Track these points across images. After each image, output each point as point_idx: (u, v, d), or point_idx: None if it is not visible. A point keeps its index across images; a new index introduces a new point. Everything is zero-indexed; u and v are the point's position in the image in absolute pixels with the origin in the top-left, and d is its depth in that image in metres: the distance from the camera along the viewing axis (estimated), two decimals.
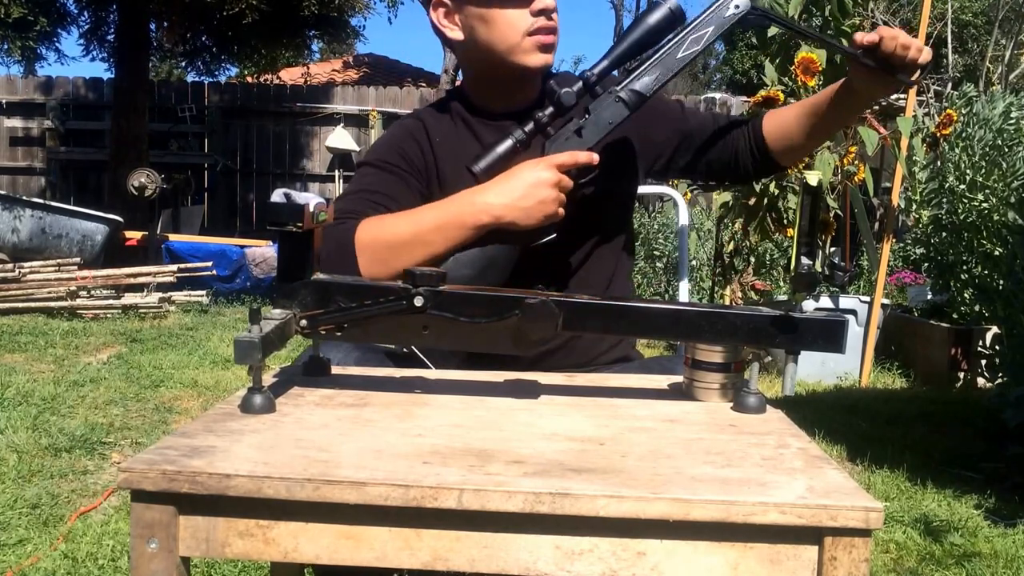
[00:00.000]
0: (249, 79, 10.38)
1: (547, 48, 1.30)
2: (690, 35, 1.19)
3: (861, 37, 1.19)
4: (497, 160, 1.19)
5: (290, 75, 11.60)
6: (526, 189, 1.16)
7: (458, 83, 1.45)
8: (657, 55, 1.20)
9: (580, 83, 1.19)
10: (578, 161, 1.19)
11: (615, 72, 1.22)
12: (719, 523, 0.68)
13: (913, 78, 1.21)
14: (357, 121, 9.38)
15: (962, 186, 3.69)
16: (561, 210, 1.19)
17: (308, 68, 11.19)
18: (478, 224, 1.17)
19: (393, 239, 1.19)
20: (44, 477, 2.39)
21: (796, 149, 1.40)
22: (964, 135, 3.70)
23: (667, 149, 1.41)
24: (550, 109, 1.20)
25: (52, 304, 5.03)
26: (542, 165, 1.18)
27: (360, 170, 1.36)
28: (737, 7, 1.18)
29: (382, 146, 1.38)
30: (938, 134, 3.61)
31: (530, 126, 1.20)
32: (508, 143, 1.20)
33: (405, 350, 1.24)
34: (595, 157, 1.20)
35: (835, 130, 1.36)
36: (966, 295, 3.98)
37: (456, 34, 1.32)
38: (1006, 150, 3.58)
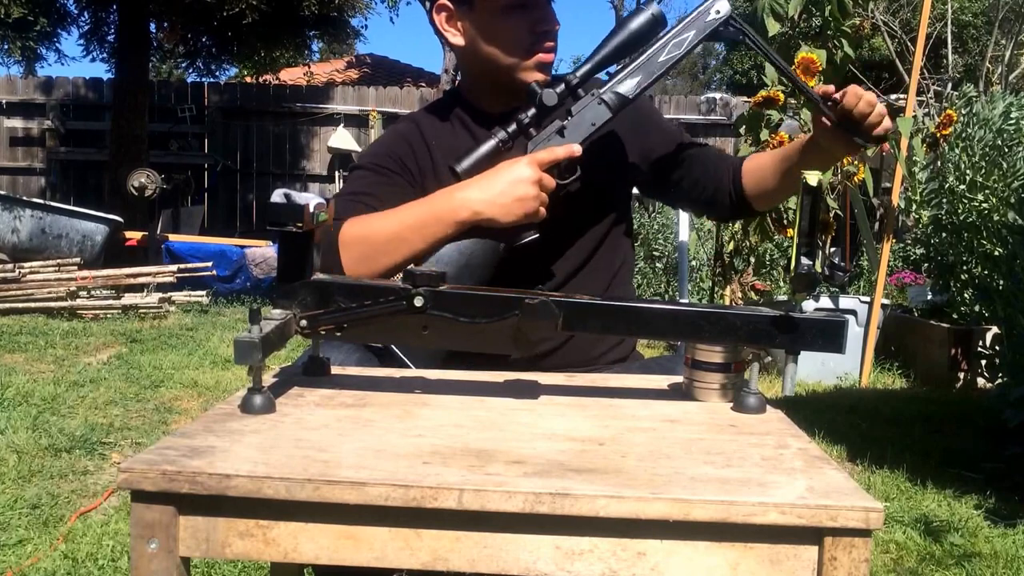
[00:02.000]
0: (249, 79, 10.38)
1: (545, 66, 1.32)
2: (672, 39, 1.20)
3: (826, 88, 1.18)
4: (480, 160, 1.21)
5: (291, 75, 11.59)
6: (505, 186, 1.17)
7: (458, 82, 1.46)
8: (639, 59, 1.21)
9: (563, 85, 1.21)
10: (556, 156, 1.20)
11: (597, 76, 1.24)
12: (719, 523, 0.68)
13: (869, 143, 1.19)
14: (357, 121, 9.38)
15: (962, 186, 3.69)
16: (542, 209, 1.19)
17: (310, 67, 11.19)
18: (457, 220, 1.18)
19: (374, 237, 1.20)
20: (44, 477, 2.39)
21: (769, 196, 1.38)
22: (964, 135, 3.70)
23: (660, 158, 1.40)
24: (532, 110, 1.21)
25: (52, 304, 5.03)
26: (523, 162, 1.19)
27: (351, 174, 1.38)
28: (718, 12, 1.19)
29: (375, 149, 1.39)
30: (938, 134, 3.62)
31: (513, 127, 1.21)
32: (491, 143, 1.21)
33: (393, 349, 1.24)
34: (575, 149, 1.21)
35: (792, 186, 1.35)
36: (966, 295, 3.98)
37: (457, 39, 1.33)
38: (1006, 150, 3.58)
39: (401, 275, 0.94)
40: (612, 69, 1.24)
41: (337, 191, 8.50)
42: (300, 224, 0.92)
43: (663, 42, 1.20)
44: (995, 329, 3.59)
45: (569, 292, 1.25)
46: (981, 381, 3.81)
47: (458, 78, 1.46)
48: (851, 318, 4.03)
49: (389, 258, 1.19)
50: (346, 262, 1.20)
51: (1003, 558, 2.01)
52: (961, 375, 3.92)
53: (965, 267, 3.86)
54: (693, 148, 1.41)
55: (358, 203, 1.28)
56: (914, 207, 4.41)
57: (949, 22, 7.69)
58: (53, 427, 2.82)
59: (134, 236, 6.33)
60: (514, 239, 1.21)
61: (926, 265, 4.70)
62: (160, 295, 5.28)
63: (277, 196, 6.54)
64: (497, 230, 1.19)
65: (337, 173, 9.21)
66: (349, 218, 1.24)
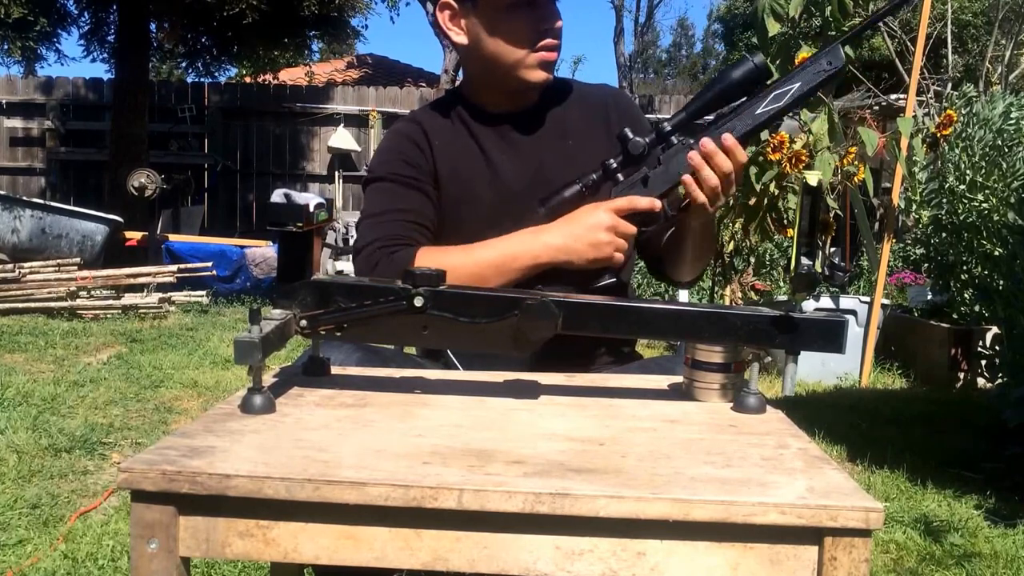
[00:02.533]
0: (248, 79, 10.38)
1: (548, 65, 1.32)
2: (775, 91, 1.15)
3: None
4: (562, 202, 1.22)
5: (291, 75, 11.59)
6: (581, 231, 1.20)
7: (458, 83, 1.45)
8: (736, 109, 1.17)
9: (653, 133, 1.20)
10: (635, 206, 1.20)
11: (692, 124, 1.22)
12: (719, 523, 0.68)
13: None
14: (357, 121, 9.38)
15: (962, 186, 3.69)
16: (617, 254, 1.21)
17: (311, 68, 11.18)
18: (534, 263, 1.22)
19: (452, 273, 1.21)
20: (44, 477, 2.39)
21: (672, 264, 1.38)
22: (964, 135, 3.70)
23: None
24: (620, 157, 1.20)
25: (52, 304, 5.03)
26: (601, 209, 1.20)
27: (375, 186, 1.36)
28: (830, 64, 1.13)
29: (388, 157, 1.38)
30: (938, 134, 3.61)
31: (599, 172, 1.21)
32: (575, 188, 1.22)
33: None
34: (656, 204, 1.20)
35: (689, 252, 1.34)
36: (966, 295, 3.98)
37: (461, 38, 1.33)
38: (1006, 150, 3.58)
39: (401, 275, 0.94)
40: (707, 120, 1.20)
41: (341, 190, 8.44)
42: (300, 224, 0.92)
43: (764, 93, 1.15)
44: (995, 329, 3.59)
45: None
46: (981, 381, 3.81)
47: (458, 78, 1.45)
48: (851, 318, 4.04)
49: None
50: None
51: (1003, 558, 2.01)
52: (961, 375, 3.92)
53: (965, 267, 3.86)
54: None
55: (407, 223, 1.30)
56: (914, 207, 4.41)
57: (949, 22, 7.69)
58: (53, 427, 2.82)
59: (134, 236, 6.33)
60: (592, 282, 1.22)
61: (926, 265, 4.70)
62: (160, 295, 5.28)
63: (277, 196, 6.54)
64: (575, 272, 1.21)
65: (337, 173, 9.21)
66: (410, 241, 1.27)
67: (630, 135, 1.19)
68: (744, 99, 1.17)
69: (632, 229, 1.21)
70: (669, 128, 1.19)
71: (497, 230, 1.28)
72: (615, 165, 1.21)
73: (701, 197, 1.16)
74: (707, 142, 1.15)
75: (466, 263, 1.22)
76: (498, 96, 1.36)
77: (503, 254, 1.23)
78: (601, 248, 1.20)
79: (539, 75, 1.31)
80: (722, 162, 1.15)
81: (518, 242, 1.23)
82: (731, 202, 3.35)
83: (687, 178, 1.17)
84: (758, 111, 1.15)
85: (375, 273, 1.24)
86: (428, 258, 1.24)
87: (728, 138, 1.14)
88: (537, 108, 1.37)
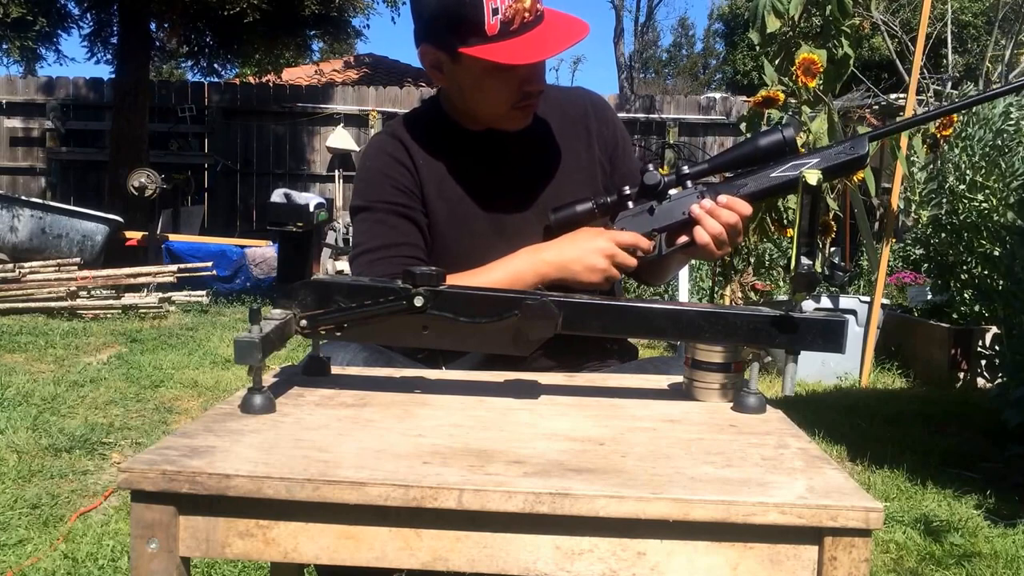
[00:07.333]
0: (252, 80, 10.37)
1: (529, 115, 1.32)
2: (793, 160, 1.17)
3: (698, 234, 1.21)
4: (572, 215, 1.26)
5: (296, 74, 11.56)
6: (579, 253, 1.24)
7: (438, 91, 1.44)
8: (754, 171, 1.20)
9: (674, 175, 1.23)
10: (639, 244, 1.23)
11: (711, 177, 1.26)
12: (719, 523, 0.68)
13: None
14: (357, 121, 9.38)
15: (962, 186, 3.69)
16: (606, 282, 1.25)
17: (319, 66, 11.12)
18: (537, 279, 1.25)
19: None
20: (44, 477, 2.39)
21: (648, 274, 1.42)
22: (964, 135, 3.70)
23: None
24: (637, 187, 1.24)
25: (52, 304, 5.03)
26: (603, 238, 1.24)
27: (365, 215, 1.35)
28: (852, 149, 1.15)
29: (375, 181, 1.36)
30: (938, 134, 3.62)
31: (614, 196, 1.25)
32: (588, 205, 1.26)
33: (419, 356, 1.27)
34: (644, 244, 1.24)
35: (671, 271, 1.47)
36: (966, 295, 3.98)
37: (441, 83, 1.33)
38: (1006, 150, 3.58)
39: (401, 275, 0.94)
40: (727, 175, 1.25)
41: (341, 190, 8.39)
42: (300, 224, 0.92)
43: (785, 160, 1.18)
44: (995, 329, 3.59)
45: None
46: (981, 381, 3.81)
47: None
48: (851, 318, 4.04)
49: None
50: None
51: (1003, 558, 2.01)
52: (961, 375, 3.92)
53: (965, 267, 3.86)
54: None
55: (402, 259, 1.29)
56: (914, 207, 4.41)
57: (949, 22, 7.70)
58: (53, 427, 2.82)
59: (134, 236, 6.34)
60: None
61: (926, 265, 4.70)
62: (160, 295, 5.29)
63: (277, 196, 6.53)
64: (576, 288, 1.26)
65: (337, 173, 9.21)
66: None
67: (651, 168, 1.22)
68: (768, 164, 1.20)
69: (632, 263, 1.24)
70: (688, 173, 1.22)
71: (487, 245, 1.29)
72: (629, 192, 1.24)
73: (704, 238, 1.20)
74: (707, 201, 1.20)
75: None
76: (476, 122, 1.36)
77: (509, 276, 1.25)
78: (593, 274, 1.23)
79: (517, 125, 1.32)
80: (722, 214, 1.19)
81: (523, 261, 1.26)
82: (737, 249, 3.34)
83: (696, 217, 1.20)
84: (772, 175, 1.18)
85: None
86: None
87: (724, 198, 1.19)
88: (521, 129, 1.37)
